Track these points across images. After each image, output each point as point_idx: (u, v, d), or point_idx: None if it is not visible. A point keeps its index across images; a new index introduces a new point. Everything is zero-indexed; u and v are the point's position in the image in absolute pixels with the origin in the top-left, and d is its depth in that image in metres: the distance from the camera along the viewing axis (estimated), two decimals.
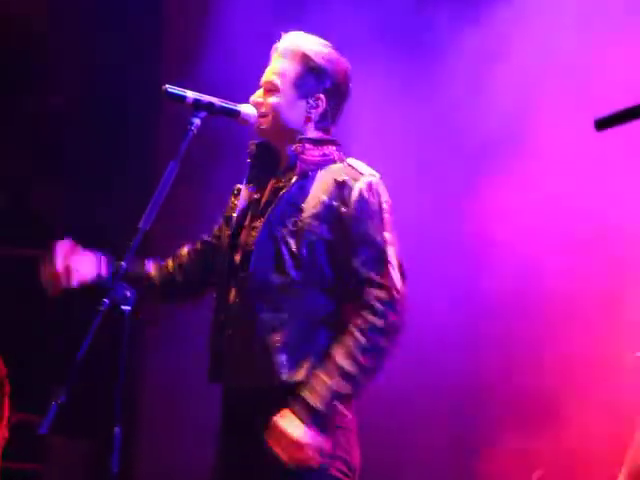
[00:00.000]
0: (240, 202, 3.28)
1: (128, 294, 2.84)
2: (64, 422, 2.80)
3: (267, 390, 3.08)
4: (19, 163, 5.72)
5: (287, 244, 3.11)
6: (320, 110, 3.21)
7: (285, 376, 3.05)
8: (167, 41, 5.71)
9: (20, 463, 5.08)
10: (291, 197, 3.15)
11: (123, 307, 2.84)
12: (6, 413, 4.17)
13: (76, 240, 3.33)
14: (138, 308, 2.88)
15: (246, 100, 3.27)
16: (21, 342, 5.17)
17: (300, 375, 3.05)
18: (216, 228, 3.41)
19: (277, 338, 3.07)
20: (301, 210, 3.12)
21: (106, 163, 5.52)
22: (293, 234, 3.11)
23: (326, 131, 3.25)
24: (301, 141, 3.19)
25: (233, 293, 3.18)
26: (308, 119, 3.21)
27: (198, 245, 3.43)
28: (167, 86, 3.12)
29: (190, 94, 3.11)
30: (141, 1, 5.61)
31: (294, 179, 3.17)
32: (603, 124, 1.95)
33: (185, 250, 3.45)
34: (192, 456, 4.59)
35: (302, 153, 3.18)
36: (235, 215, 3.27)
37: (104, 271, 3.32)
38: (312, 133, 3.22)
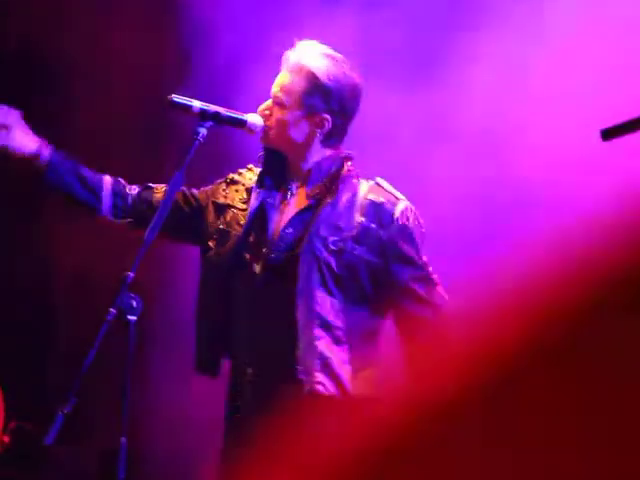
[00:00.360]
0: (252, 204, 3.26)
1: (134, 304, 2.84)
2: (69, 432, 2.80)
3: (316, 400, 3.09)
4: None
5: (328, 264, 3.13)
6: (325, 130, 3.21)
7: (352, 388, 3.10)
8: (168, 42, 5.69)
9: (23, 472, 5.06)
10: (327, 214, 3.17)
11: (129, 317, 2.83)
12: (1, 420, 4.14)
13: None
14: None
15: (246, 104, 3.27)
16: (24, 348, 5.16)
17: (367, 388, 3.11)
18: (197, 193, 3.35)
19: (333, 354, 3.10)
20: (339, 230, 3.15)
21: (107, 164, 5.49)
22: (333, 254, 3.14)
23: (334, 148, 3.25)
24: (342, 161, 3.22)
25: (242, 294, 3.19)
26: (313, 137, 3.21)
27: (180, 199, 3.32)
28: (173, 96, 3.10)
29: (196, 103, 3.10)
30: (142, 2, 5.59)
31: (329, 198, 3.18)
32: (609, 134, 1.97)
33: (160, 195, 3.32)
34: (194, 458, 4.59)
35: (340, 171, 3.21)
36: (238, 210, 3.27)
37: (45, 154, 3.30)
38: (318, 150, 3.23)
